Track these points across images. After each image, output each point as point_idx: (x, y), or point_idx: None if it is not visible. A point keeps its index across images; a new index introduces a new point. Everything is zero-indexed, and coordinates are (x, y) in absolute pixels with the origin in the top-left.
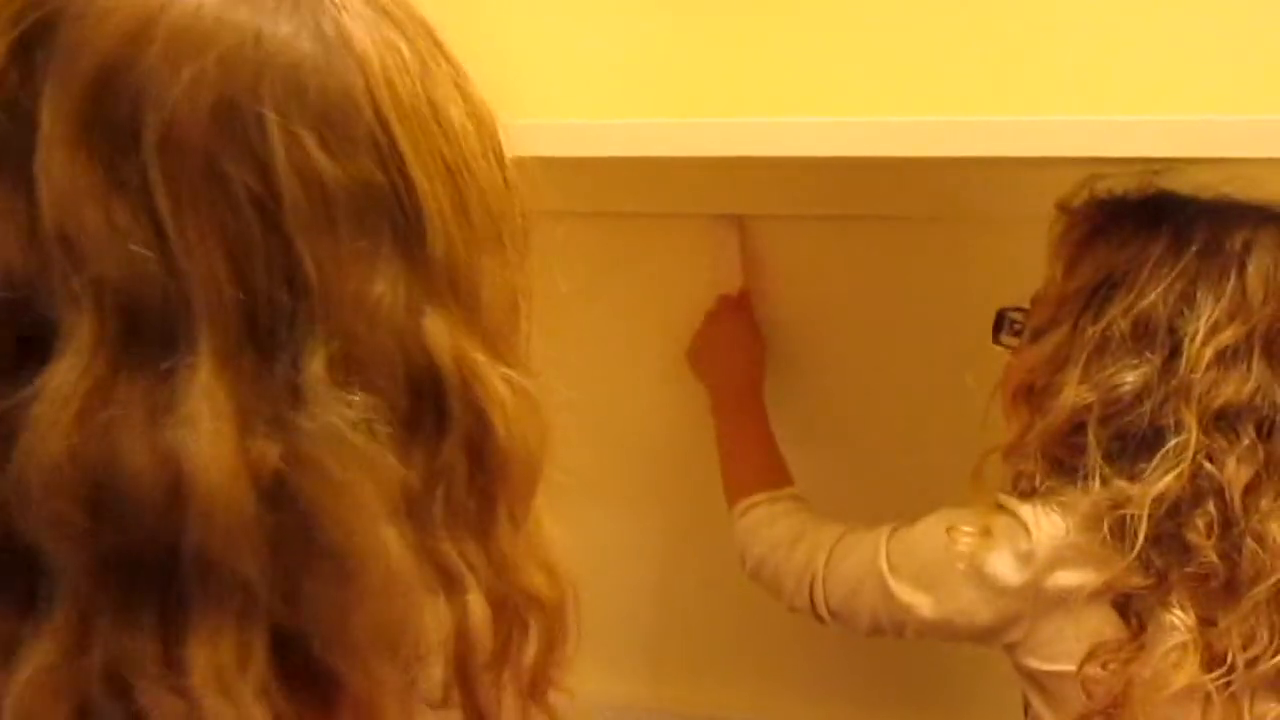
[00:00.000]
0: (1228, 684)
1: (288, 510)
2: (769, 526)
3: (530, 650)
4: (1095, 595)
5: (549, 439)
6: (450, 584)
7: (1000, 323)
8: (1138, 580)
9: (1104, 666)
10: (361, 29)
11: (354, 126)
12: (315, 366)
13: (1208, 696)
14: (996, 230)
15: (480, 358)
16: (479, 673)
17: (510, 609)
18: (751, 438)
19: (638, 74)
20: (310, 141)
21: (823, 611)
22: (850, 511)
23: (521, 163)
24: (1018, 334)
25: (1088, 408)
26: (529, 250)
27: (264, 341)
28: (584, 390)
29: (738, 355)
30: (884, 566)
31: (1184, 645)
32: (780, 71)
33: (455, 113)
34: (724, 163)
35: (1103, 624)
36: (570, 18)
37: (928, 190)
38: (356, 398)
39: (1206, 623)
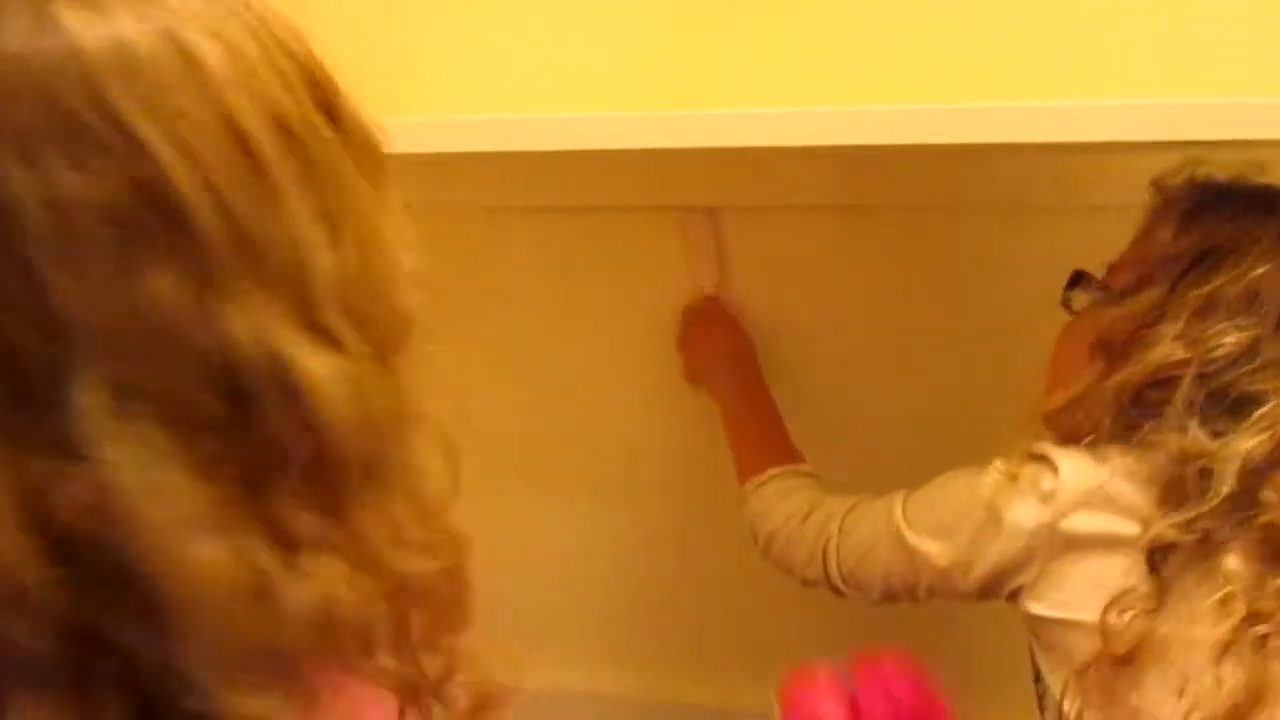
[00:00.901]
0: (1264, 640)
1: (89, 561)
2: (782, 500)
3: (419, 633)
4: (1128, 543)
5: (394, 414)
6: (296, 566)
7: (1077, 280)
8: (1184, 533)
9: (1123, 613)
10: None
11: (90, 128)
12: (88, 401)
13: (1238, 651)
14: (996, 220)
15: (289, 337)
16: (354, 649)
17: (388, 591)
18: (759, 419)
19: (627, 68)
20: (53, 160)
21: (836, 580)
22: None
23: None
24: (1096, 291)
25: (1183, 363)
26: (383, 174)
27: (34, 392)
28: (561, 383)
29: (726, 347)
30: (900, 522)
31: (1229, 597)
32: (766, 61)
33: (217, 54)
34: (705, 154)
35: (1124, 573)
36: (543, 11)
37: (926, 179)
38: (144, 421)
39: (1257, 579)
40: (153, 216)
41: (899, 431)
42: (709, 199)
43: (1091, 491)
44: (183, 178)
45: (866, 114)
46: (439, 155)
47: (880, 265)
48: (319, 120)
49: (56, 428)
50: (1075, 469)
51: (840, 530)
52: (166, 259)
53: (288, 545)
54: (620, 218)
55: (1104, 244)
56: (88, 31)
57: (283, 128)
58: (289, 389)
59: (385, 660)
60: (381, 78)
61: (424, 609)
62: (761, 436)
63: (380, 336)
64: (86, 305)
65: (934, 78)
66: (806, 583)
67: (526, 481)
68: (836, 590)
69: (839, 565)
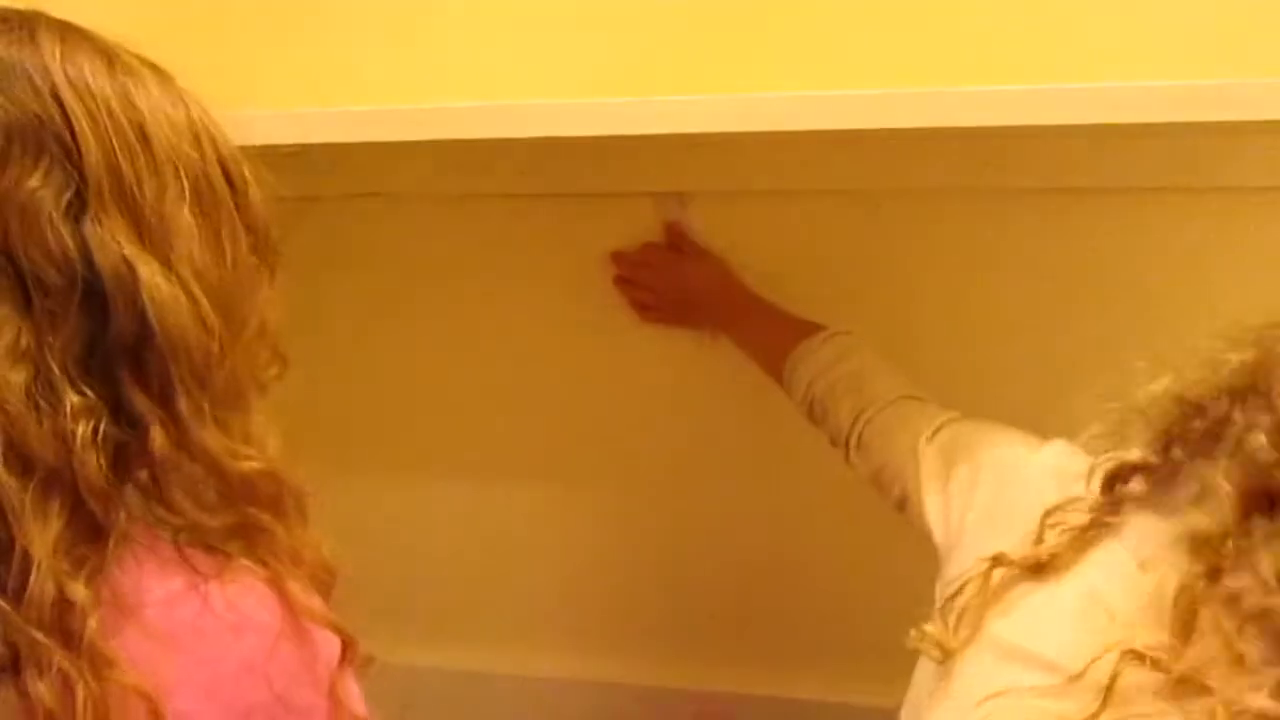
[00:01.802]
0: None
1: None
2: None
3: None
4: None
5: (209, 329)
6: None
7: None
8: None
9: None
10: None
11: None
12: None
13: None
14: (987, 205)
15: (143, 258)
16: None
17: (208, 466)
18: (766, 323)
19: (616, 54)
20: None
21: (852, 437)
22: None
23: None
24: None
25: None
26: (260, 231)
27: None
28: (542, 371)
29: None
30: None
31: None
32: (753, 46)
33: (146, 98)
34: (681, 140)
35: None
36: None
37: (912, 163)
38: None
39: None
40: (54, 143)
41: None
42: (683, 184)
43: (1060, 458)
44: (87, 135)
45: (847, 99)
46: (413, 144)
47: (866, 250)
48: (215, 172)
49: None
50: (1057, 446)
51: (884, 406)
52: (49, 171)
53: (118, 410)
54: (599, 204)
55: (1093, 228)
56: (53, 61)
57: (178, 166)
58: (129, 287)
59: (205, 518)
60: (355, 68)
61: (253, 497)
62: (775, 328)
63: (230, 311)
64: None
65: (919, 62)
66: (833, 441)
67: (519, 470)
68: (847, 449)
69: (861, 430)
